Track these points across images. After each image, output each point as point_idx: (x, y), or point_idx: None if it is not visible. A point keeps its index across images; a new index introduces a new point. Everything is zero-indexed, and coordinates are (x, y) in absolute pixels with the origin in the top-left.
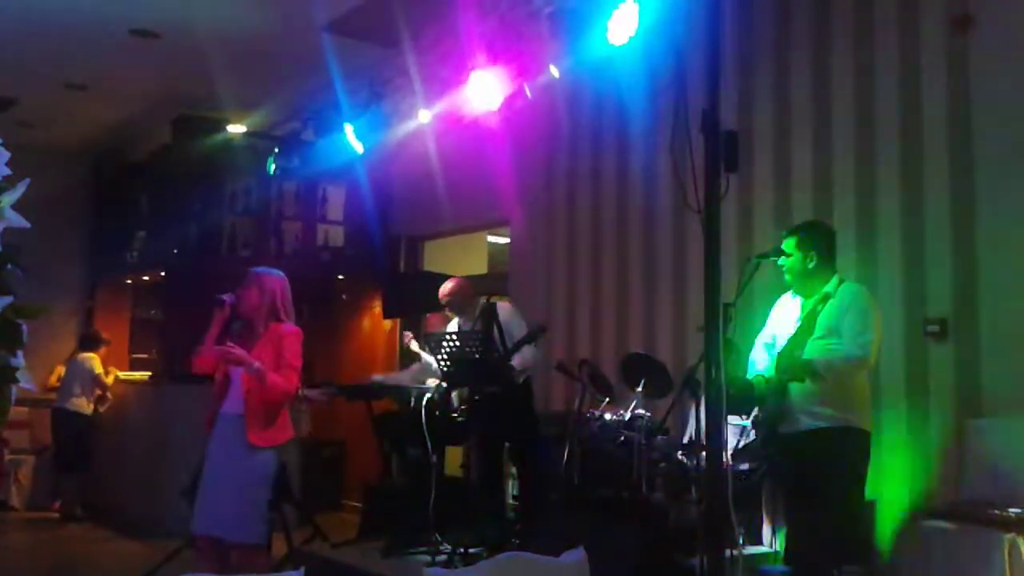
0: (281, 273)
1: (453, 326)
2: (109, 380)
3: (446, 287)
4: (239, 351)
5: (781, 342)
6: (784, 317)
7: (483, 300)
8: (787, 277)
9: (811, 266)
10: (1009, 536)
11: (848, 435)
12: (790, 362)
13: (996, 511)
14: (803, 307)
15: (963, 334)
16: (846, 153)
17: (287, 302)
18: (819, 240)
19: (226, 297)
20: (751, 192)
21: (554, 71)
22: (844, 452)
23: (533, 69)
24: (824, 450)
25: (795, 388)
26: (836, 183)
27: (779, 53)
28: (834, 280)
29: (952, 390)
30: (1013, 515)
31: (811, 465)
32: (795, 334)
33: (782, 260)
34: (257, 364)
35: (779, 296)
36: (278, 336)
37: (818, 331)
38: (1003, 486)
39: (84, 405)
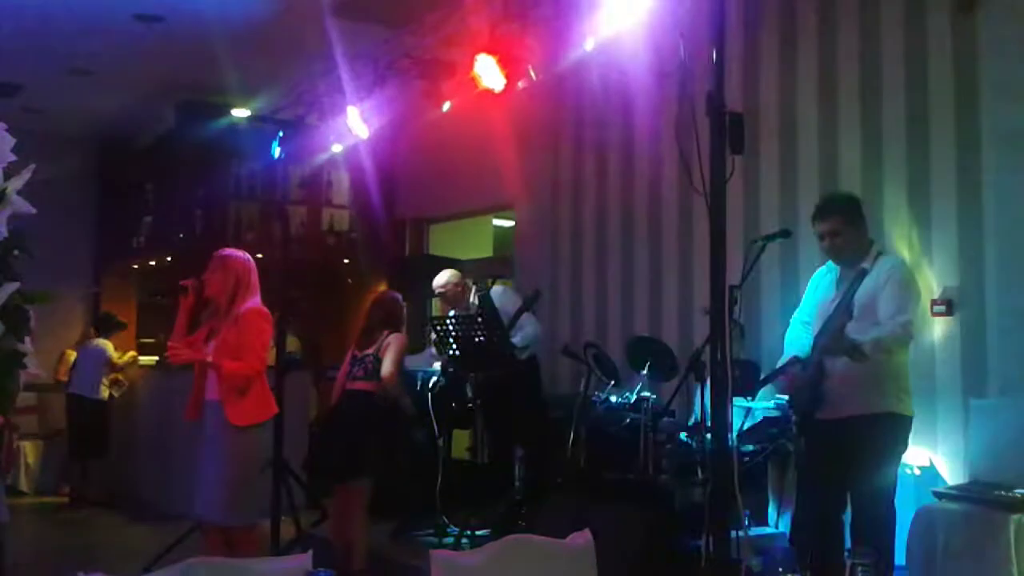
0: (245, 254)
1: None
2: (125, 360)
3: (440, 279)
4: (185, 352)
5: (819, 320)
6: (821, 294)
7: (474, 288)
8: (836, 256)
9: (863, 240)
10: (1015, 517)
11: (890, 421)
12: (835, 342)
13: (1002, 492)
14: (838, 284)
15: (969, 313)
16: (852, 134)
17: (251, 281)
18: (862, 211)
19: (188, 283)
20: (757, 174)
21: (559, 54)
22: (885, 439)
23: (538, 51)
24: (866, 437)
25: (835, 373)
26: (842, 164)
27: (784, 34)
28: (872, 253)
29: (958, 370)
30: (1019, 496)
31: (848, 452)
32: (834, 313)
33: (827, 241)
34: (207, 359)
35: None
36: (239, 316)
37: (856, 311)
38: (1009, 467)
39: (100, 390)
